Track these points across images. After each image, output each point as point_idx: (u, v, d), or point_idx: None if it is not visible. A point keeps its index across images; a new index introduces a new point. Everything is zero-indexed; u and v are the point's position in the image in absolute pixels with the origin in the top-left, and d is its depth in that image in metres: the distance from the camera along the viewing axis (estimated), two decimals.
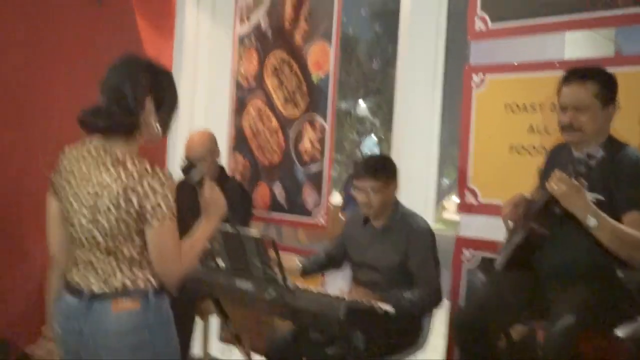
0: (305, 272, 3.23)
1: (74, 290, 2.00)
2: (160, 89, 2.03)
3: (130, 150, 1.99)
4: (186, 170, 2.31)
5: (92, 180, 1.94)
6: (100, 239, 1.94)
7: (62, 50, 3.76)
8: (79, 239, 1.98)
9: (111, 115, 1.94)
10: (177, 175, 4.13)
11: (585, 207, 2.28)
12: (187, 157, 3.79)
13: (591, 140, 2.49)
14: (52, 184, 2.06)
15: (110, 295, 1.94)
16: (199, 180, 2.25)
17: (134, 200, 1.90)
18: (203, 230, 2.14)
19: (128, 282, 1.94)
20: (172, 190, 1.97)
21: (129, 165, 1.92)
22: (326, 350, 2.67)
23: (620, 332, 2.35)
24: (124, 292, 1.93)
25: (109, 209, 1.91)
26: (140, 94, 1.97)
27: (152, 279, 1.97)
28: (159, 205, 1.91)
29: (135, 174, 1.91)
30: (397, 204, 3.11)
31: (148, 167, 1.94)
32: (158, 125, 2.04)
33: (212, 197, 2.20)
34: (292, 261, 3.23)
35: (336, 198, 7.61)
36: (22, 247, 3.70)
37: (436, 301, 2.99)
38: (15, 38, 3.67)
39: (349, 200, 6.16)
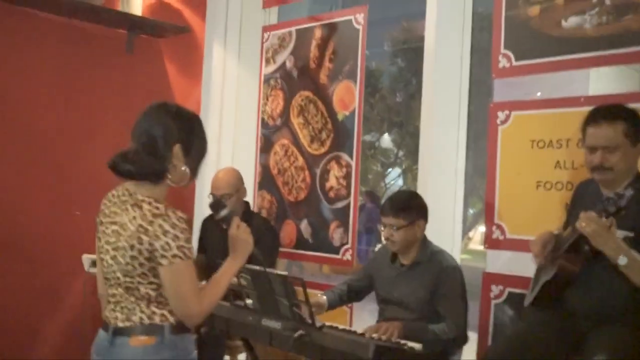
0: (331, 307, 3.22)
1: (105, 325, 2.06)
2: (189, 134, 2.06)
3: (155, 194, 2.02)
4: (214, 207, 2.33)
5: (115, 220, 2.01)
6: (120, 276, 2.00)
7: (95, 98, 3.87)
8: (108, 277, 2.05)
9: (140, 160, 1.99)
10: (205, 213, 4.18)
11: (615, 246, 2.26)
12: (214, 194, 3.82)
13: (621, 178, 2.48)
14: (96, 227, 2.12)
15: (130, 330, 1.98)
16: (226, 217, 2.26)
17: (145, 240, 1.93)
18: (229, 268, 2.16)
19: (145, 319, 1.98)
20: (185, 231, 1.99)
21: (145, 206, 1.96)
22: None
23: None
24: (142, 327, 1.97)
25: (124, 248, 1.96)
26: (169, 140, 2.01)
27: (169, 317, 1.99)
28: (167, 244, 1.93)
29: (148, 215, 1.95)
30: (425, 241, 3.10)
31: (162, 209, 1.97)
32: (187, 169, 2.06)
33: (239, 234, 2.20)
34: (317, 297, 3.23)
35: None
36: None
37: (462, 339, 2.97)
38: (51, 87, 3.77)
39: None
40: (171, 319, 2.00)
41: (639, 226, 2.38)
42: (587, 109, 2.64)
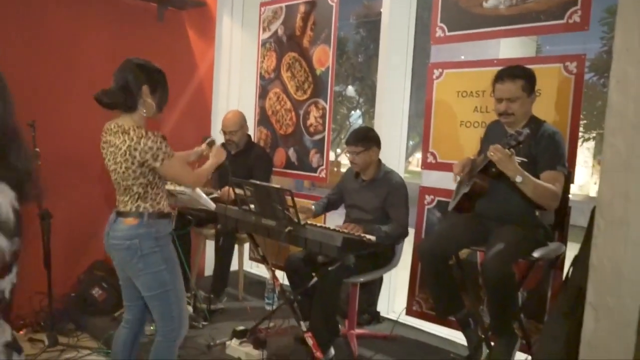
0: (317, 214, 3.26)
1: (115, 209, 2.22)
2: (153, 80, 2.16)
3: (136, 122, 2.13)
4: (206, 139, 2.73)
5: (111, 144, 2.12)
6: (120, 181, 2.14)
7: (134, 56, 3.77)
8: (115, 182, 2.18)
9: (115, 95, 2.10)
10: (218, 141, 4.15)
11: (514, 168, 2.29)
12: (224, 129, 3.79)
13: (520, 121, 2.49)
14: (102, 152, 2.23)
15: (125, 213, 2.14)
16: (212, 141, 2.69)
17: (137, 155, 2.06)
18: (209, 164, 2.43)
19: (134, 208, 2.13)
20: (164, 141, 2.10)
21: (131, 132, 2.08)
22: (328, 267, 2.70)
23: (536, 254, 2.39)
24: (131, 213, 2.13)
25: (120, 162, 2.09)
26: (138, 82, 2.12)
27: (149, 208, 2.14)
28: (155, 154, 2.07)
29: (135, 138, 2.06)
30: (379, 163, 3.12)
31: (144, 132, 2.08)
32: (154, 103, 2.16)
33: (219, 149, 2.55)
34: (309, 205, 3.27)
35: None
36: None
37: (404, 234, 3.04)
38: (102, 47, 3.64)
39: None
40: (150, 210, 2.14)
41: (532, 154, 2.42)
42: (498, 68, 2.62)
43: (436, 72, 3.22)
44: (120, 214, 2.17)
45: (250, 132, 4.11)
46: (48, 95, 3.43)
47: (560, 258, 2.62)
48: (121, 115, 2.15)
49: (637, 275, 1.40)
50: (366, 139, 3.04)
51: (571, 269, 2.27)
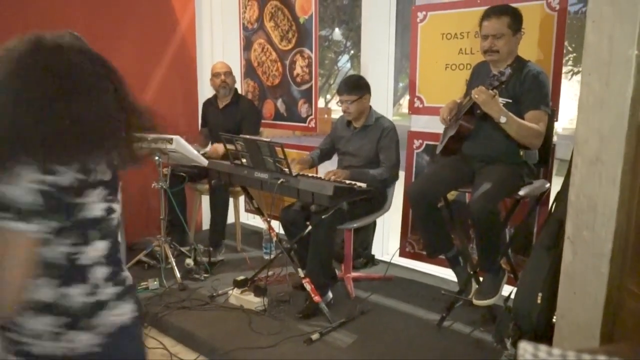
0: (314, 164, 3.31)
1: None
2: None
3: None
4: None
5: None
6: None
7: (119, 10, 3.74)
8: None
9: None
10: (205, 97, 4.14)
11: (498, 109, 2.33)
12: (218, 71, 3.77)
13: (504, 59, 2.51)
14: None
15: None
16: None
17: None
18: None
19: None
20: None
21: None
22: (322, 216, 2.78)
23: (521, 192, 2.46)
24: None
25: None
26: None
27: None
28: None
29: None
30: (370, 109, 3.14)
31: None
32: None
33: None
34: (306, 156, 3.32)
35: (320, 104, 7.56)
36: None
37: (394, 177, 3.10)
38: (90, 6, 3.55)
39: None
40: None
41: (515, 95, 2.45)
42: (481, 9, 2.61)
43: (420, 15, 3.19)
44: None
45: (237, 85, 4.09)
46: None
47: (545, 194, 2.71)
48: None
49: (610, 210, 1.48)
50: (358, 87, 3.06)
51: (554, 205, 2.35)
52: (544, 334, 2.03)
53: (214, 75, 3.79)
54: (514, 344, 2.14)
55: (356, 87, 3.06)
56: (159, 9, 4.01)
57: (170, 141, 3.11)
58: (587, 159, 1.54)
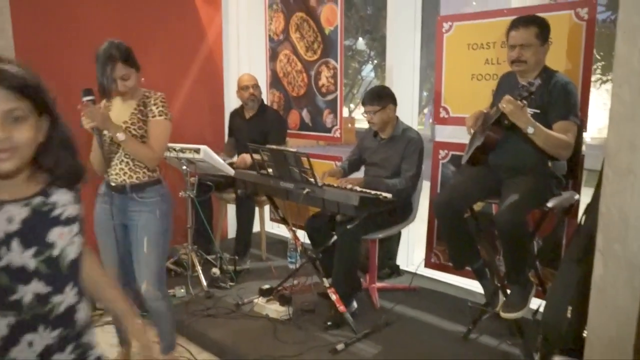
0: (346, 175, 3.30)
1: None
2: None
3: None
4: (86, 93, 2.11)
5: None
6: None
7: (149, 21, 3.84)
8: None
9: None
10: (231, 107, 4.20)
11: (526, 120, 2.31)
12: (246, 84, 3.82)
13: (532, 70, 2.49)
14: None
15: None
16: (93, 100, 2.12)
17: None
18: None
19: None
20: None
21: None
22: (347, 226, 2.78)
23: (550, 204, 2.43)
24: None
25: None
26: None
27: None
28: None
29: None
30: (398, 120, 3.15)
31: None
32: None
33: (93, 112, 2.11)
34: (335, 167, 3.35)
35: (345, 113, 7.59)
36: None
37: (412, 186, 3.09)
38: (119, 14, 3.67)
39: None
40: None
41: (543, 105, 2.43)
42: (508, 18, 2.60)
43: (445, 26, 3.20)
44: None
45: (263, 95, 4.14)
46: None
47: (574, 206, 2.67)
48: None
49: None
50: (382, 97, 3.07)
51: (584, 217, 2.32)
52: (573, 348, 1.99)
53: (242, 88, 3.85)
54: (543, 358, 2.10)
55: (379, 97, 3.07)
56: (186, 21, 4.10)
57: (197, 151, 3.17)
58: (619, 171, 1.52)
